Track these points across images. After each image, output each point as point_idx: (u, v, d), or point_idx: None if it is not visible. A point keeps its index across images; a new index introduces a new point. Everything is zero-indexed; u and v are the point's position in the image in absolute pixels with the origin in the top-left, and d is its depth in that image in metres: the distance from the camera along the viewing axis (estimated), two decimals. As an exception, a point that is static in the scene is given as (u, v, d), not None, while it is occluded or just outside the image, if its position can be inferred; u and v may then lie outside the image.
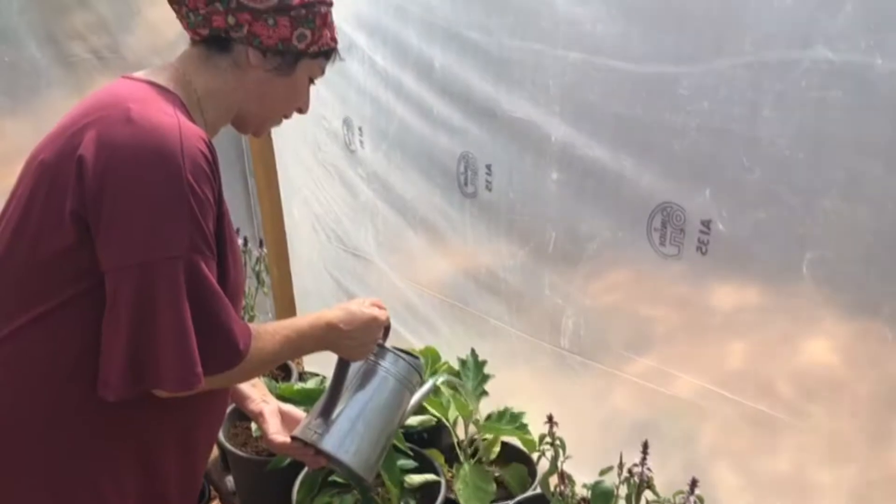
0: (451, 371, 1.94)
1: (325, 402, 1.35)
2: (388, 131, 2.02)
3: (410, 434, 1.80)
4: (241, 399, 1.48)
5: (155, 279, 1.01)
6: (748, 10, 1.21)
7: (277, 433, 1.42)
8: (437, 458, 1.79)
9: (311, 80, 1.26)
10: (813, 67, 1.16)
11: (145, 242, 1.01)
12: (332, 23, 1.21)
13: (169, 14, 1.19)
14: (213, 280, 1.07)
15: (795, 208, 1.26)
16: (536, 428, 1.71)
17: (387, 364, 1.37)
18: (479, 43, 1.65)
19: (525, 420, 1.77)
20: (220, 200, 1.10)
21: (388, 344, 1.40)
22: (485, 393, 1.82)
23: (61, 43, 2.64)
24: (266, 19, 1.12)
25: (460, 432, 1.82)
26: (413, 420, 1.79)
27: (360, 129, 2.13)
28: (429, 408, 1.81)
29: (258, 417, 1.46)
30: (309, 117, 2.33)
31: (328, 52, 1.23)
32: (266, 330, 1.17)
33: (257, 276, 2.19)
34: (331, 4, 1.20)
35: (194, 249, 1.03)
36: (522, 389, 1.93)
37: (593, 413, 1.80)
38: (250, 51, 1.15)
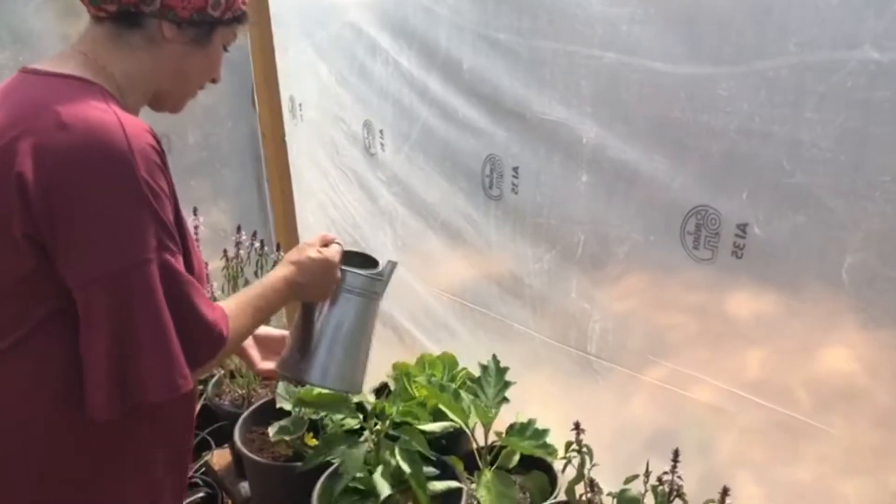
0: (469, 377, 1.92)
1: (301, 336, 1.40)
2: (411, 134, 2.01)
3: (430, 442, 1.77)
4: None
5: (130, 286, 0.97)
6: (792, 11, 1.20)
7: (263, 361, 1.46)
8: (457, 464, 1.76)
9: (225, 48, 1.21)
10: (859, 68, 1.15)
11: (113, 250, 0.96)
12: None
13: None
14: (184, 273, 1.04)
15: (837, 212, 1.24)
16: (559, 433, 1.69)
17: (348, 285, 1.39)
18: (510, 44, 1.64)
19: (549, 439, 1.73)
20: (173, 191, 1.07)
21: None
22: (505, 400, 1.79)
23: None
24: None
25: (480, 438, 1.79)
26: (434, 426, 1.76)
27: (380, 132, 2.12)
28: (449, 414, 1.78)
29: (240, 352, 1.47)
30: (327, 120, 2.33)
31: (241, 17, 1.18)
32: (237, 305, 1.17)
33: (274, 279, 2.15)
34: None
35: (162, 248, 1.00)
36: (544, 394, 1.91)
37: (617, 418, 1.77)
38: (164, 24, 1.08)
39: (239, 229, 2.14)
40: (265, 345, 1.48)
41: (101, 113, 0.98)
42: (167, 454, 1.20)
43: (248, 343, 1.46)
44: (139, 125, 1.00)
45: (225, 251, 2.09)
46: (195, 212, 2.08)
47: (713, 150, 1.36)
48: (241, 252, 2.12)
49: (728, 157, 1.35)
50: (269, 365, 1.44)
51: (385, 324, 2.36)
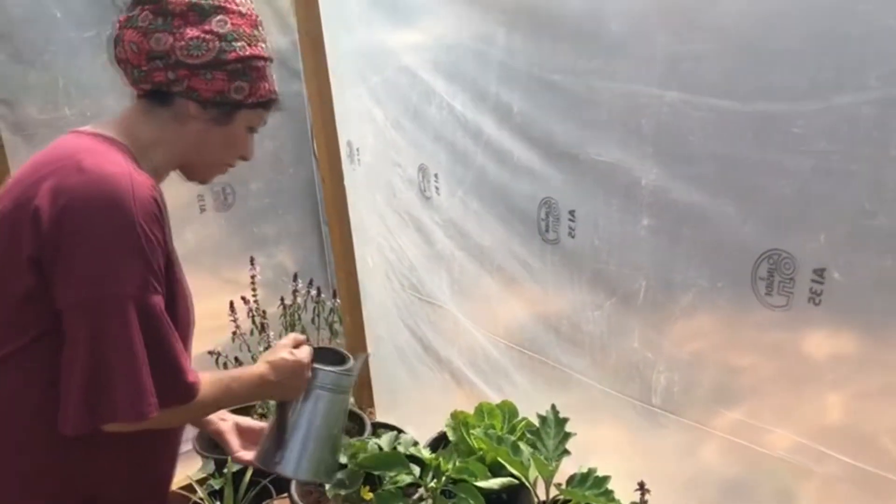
0: (530, 427, 1.84)
1: (276, 431, 1.48)
2: (465, 178, 1.97)
3: (490, 496, 1.70)
4: (200, 423, 1.56)
5: (109, 314, 1.08)
6: (872, 43, 1.11)
7: (241, 450, 1.53)
8: (518, 521, 1.68)
9: (253, 130, 1.34)
10: (950, 102, 1.05)
11: (99, 280, 1.09)
12: (270, 76, 1.30)
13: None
14: (165, 316, 1.14)
15: (926, 256, 1.14)
16: (620, 487, 1.59)
17: (319, 382, 1.47)
18: (564, 85, 1.59)
19: (610, 486, 1.65)
20: (168, 243, 1.18)
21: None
22: (566, 452, 1.71)
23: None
24: (203, 74, 1.21)
25: (541, 493, 1.70)
26: (492, 483, 1.69)
27: (435, 175, 2.09)
28: (509, 468, 1.71)
29: (219, 437, 1.54)
30: (384, 164, 2.32)
31: (266, 104, 1.31)
32: (212, 375, 1.27)
33: (330, 327, 2.14)
34: (268, 59, 1.28)
35: (146, 287, 1.11)
36: (605, 447, 1.81)
37: (683, 472, 1.66)
38: (190, 103, 1.24)
39: (295, 277, 2.14)
40: (245, 435, 1.55)
41: (116, 166, 1.13)
42: (123, 487, 1.27)
43: (229, 430, 1.54)
44: (146, 181, 1.15)
45: (282, 299, 2.09)
46: (252, 262, 2.09)
47: (786, 191, 1.27)
48: (298, 300, 2.12)
49: (803, 199, 1.25)
50: (246, 455, 1.51)
51: (443, 368, 2.31)
